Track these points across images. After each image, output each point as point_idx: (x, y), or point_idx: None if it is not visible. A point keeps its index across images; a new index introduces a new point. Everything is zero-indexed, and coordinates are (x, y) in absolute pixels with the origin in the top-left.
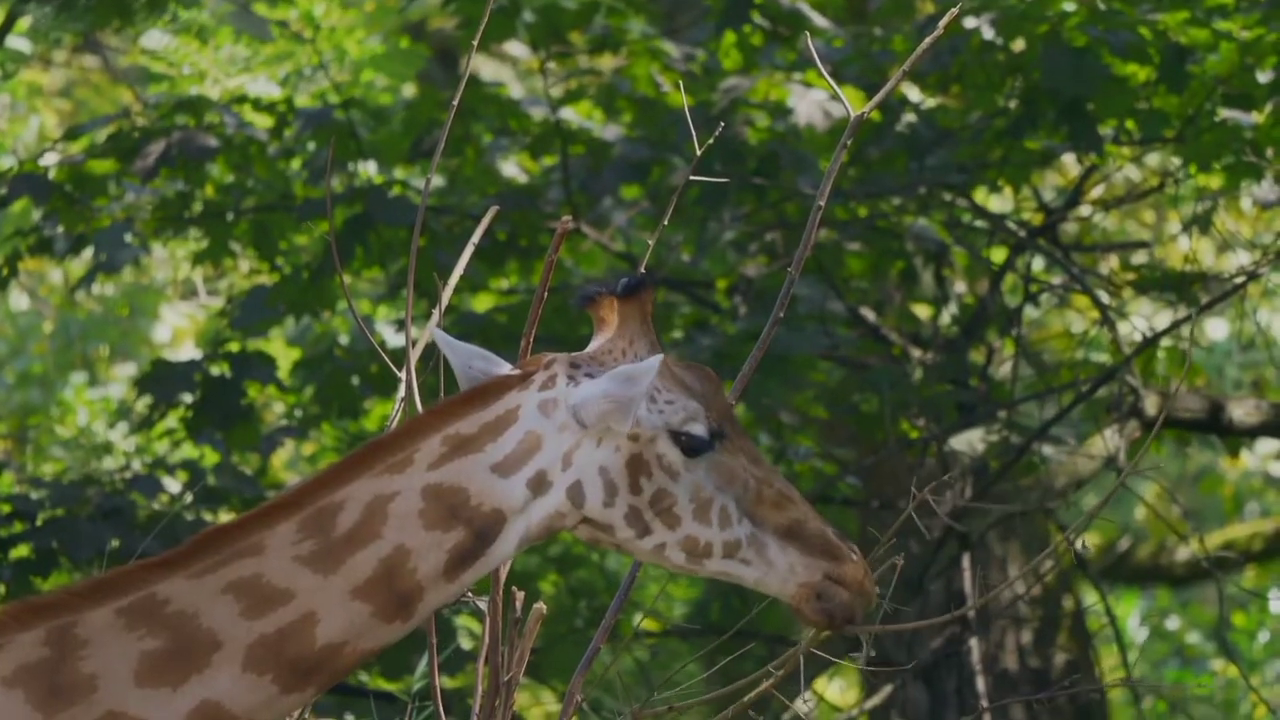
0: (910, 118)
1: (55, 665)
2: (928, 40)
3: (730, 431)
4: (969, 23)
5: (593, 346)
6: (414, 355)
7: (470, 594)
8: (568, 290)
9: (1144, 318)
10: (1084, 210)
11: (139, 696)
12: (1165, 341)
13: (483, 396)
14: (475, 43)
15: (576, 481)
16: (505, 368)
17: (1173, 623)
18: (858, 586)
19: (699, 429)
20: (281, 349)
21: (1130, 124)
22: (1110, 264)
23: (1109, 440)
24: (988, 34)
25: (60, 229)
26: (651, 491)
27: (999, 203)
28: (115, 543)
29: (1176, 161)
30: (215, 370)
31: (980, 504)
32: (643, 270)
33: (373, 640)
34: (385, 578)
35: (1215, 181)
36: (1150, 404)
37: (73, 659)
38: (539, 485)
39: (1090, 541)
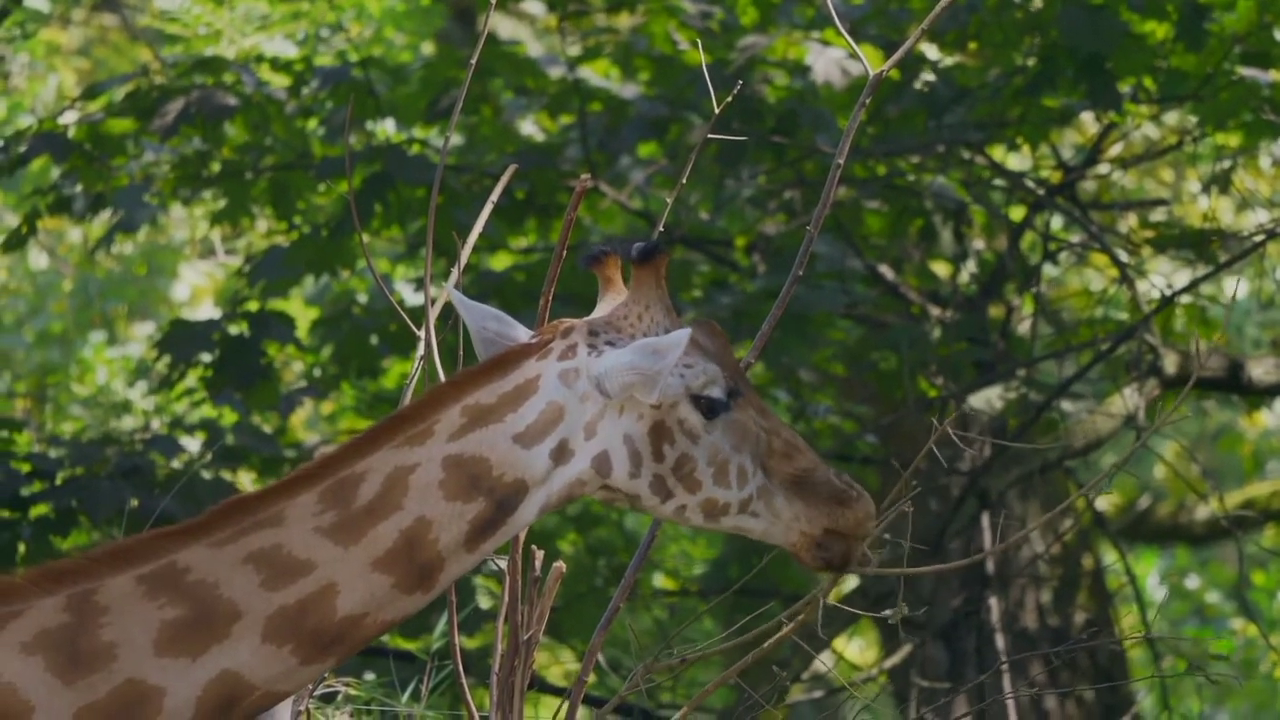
0: (929, 76)
1: (75, 632)
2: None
3: (741, 387)
4: None
5: (605, 310)
6: (433, 314)
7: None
8: (586, 249)
9: (1163, 276)
10: (1102, 168)
11: (158, 665)
12: (1184, 299)
13: (501, 366)
14: (493, 1)
15: (603, 452)
16: (519, 329)
17: (1192, 581)
18: (860, 530)
19: (718, 391)
20: (300, 308)
21: (1148, 82)
22: (1129, 222)
23: (1128, 399)
24: None
25: (79, 188)
26: (675, 457)
27: (1018, 161)
28: (134, 502)
29: (1195, 119)
30: (234, 329)
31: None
32: (658, 231)
33: (393, 611)
34: (406, 549)
35: (1233, 139)
36: (1169, 362)
37: (93, 626)
38: (561, 455)
39: (1110, 500)
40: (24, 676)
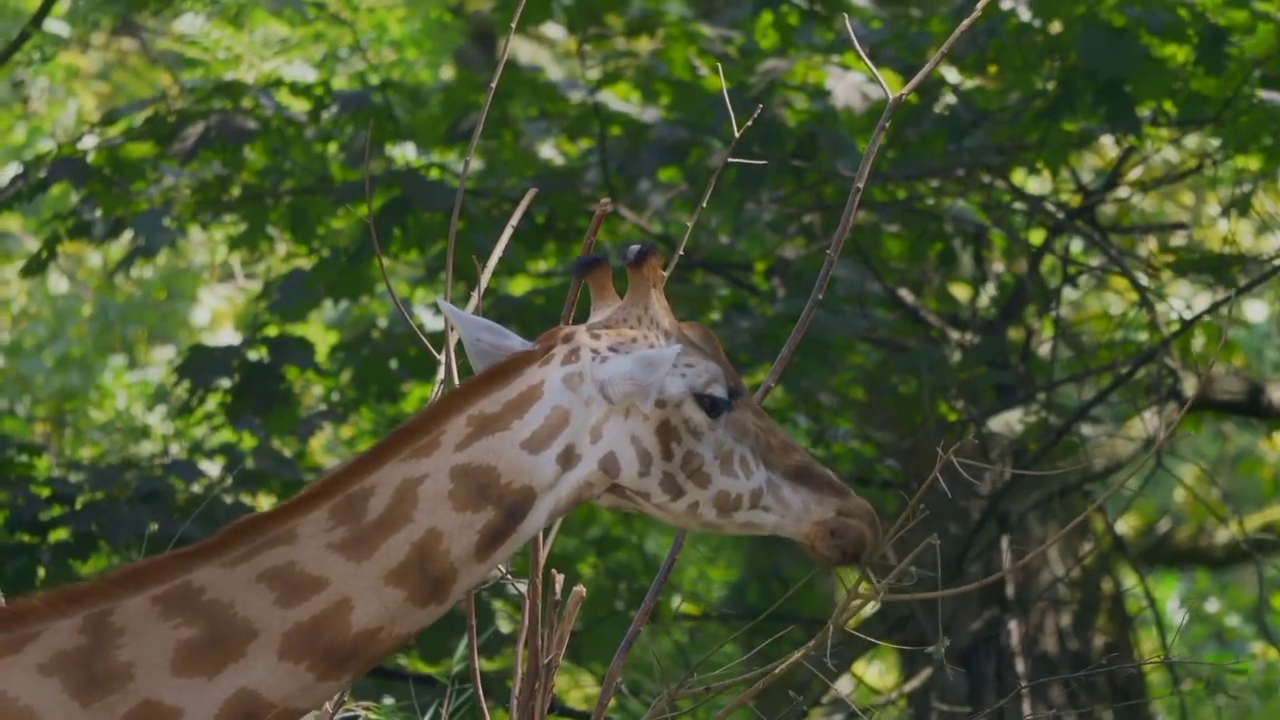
0: (948, 99)
1: (92, 653)
2: (966, 22)
3: (739, 387)
4: (1006, 4)
5: (604, 314)
6: (453, 338)
7: (510, 577)
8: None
9: (1182, 299)
10: (1122, 192)
11: (175, 686)
12: (1204, 321)
13: (503, 374)
14: (513, 25)
15: (610, 453)
16: (513, 340)
17: (1212, 605)
18: (867, 516)
19: (720, 390)
20: (320, 333)
21: (1168, 105)
22: (1149, 245)
23: (1148, 422)
24: (1025, 15)
25: (99, 212)
26: (682, 455)
27: (1037, 184)
28: (154, 526)
29: (1215, 143)
30: (253, 354)
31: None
32: (679, 255)
33: (408, 625)
34: (418, 561)
35: (1254, 163)
36: (1189, 386)
37: (109, 647)
38: (568, 459)
39: (1130, 524)
40: (42, 699)
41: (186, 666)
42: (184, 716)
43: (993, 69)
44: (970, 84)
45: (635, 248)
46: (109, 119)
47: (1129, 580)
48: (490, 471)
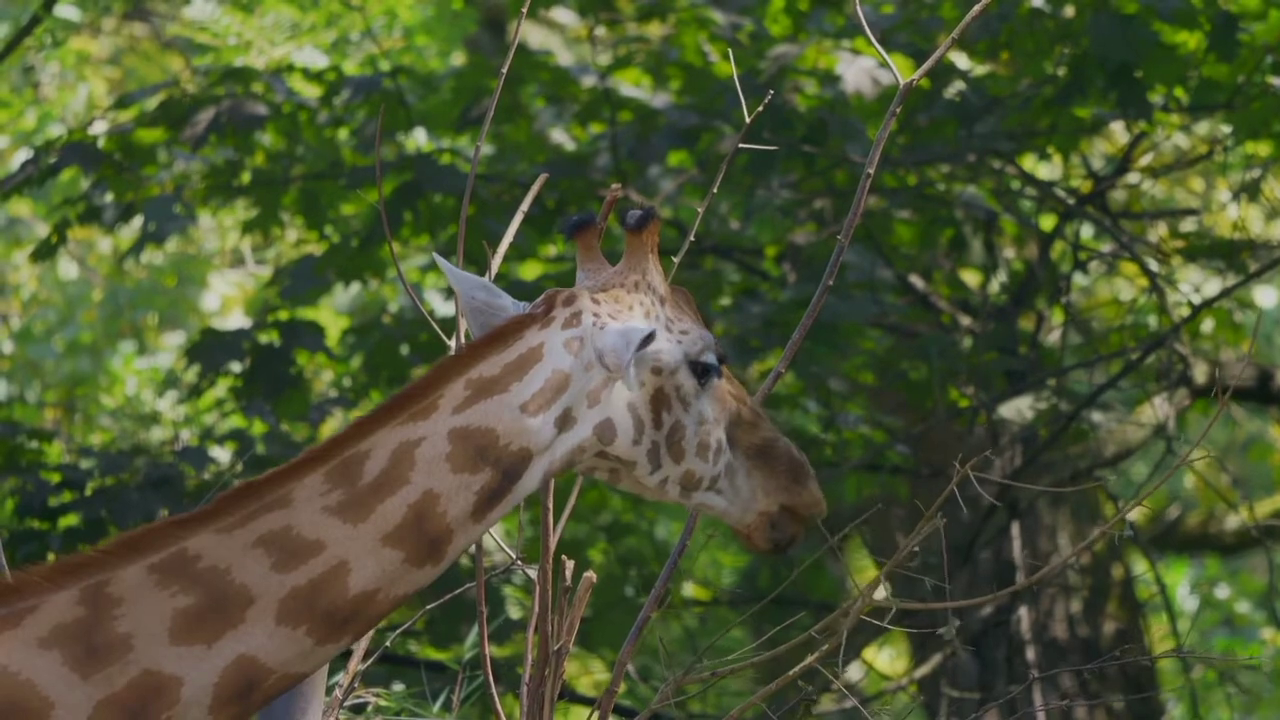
0: (959, 85)
1: (90, 625)
2: (977, 7)
3: (723, 354)
4: None
5: (596, 277)
6: (464, 324)
7: (520, 563)
8: (615, 257)
9: (1193, 285)
10: (1133, 178)
11: (174, 654)
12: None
13: (502, 337)
14: (524, 10)
15: (606, 419)
16: (505, 299)
17: (1222, 591)
18: (812, 510)
19: (712, 357)
20: (330, 317)
21: (1179, 91)
22: (1159, 231)
23: (1158, 408)
24: (1037, 1)
25: (109, 197)
26: (670, 424)
27: (1048, 170)
28: (164, 512)
29: (1225, 129)
30: (264, 339)
31: (1025, 483)
32: (689, 240)
33: (405, 586)
34: (415, 522)
35: (1264, 149)
36: (1199, 372)
37: (107, 618)
38: (565, 422)
39: (1139, 510)
40: (42, 672)
41: (185, 634)
42: (184, 685)
43: (1004, 55)
44: (981, 70)
45: (636, 213)
46: (121, 103)
47: (1139, 566)
48: (489, 434)
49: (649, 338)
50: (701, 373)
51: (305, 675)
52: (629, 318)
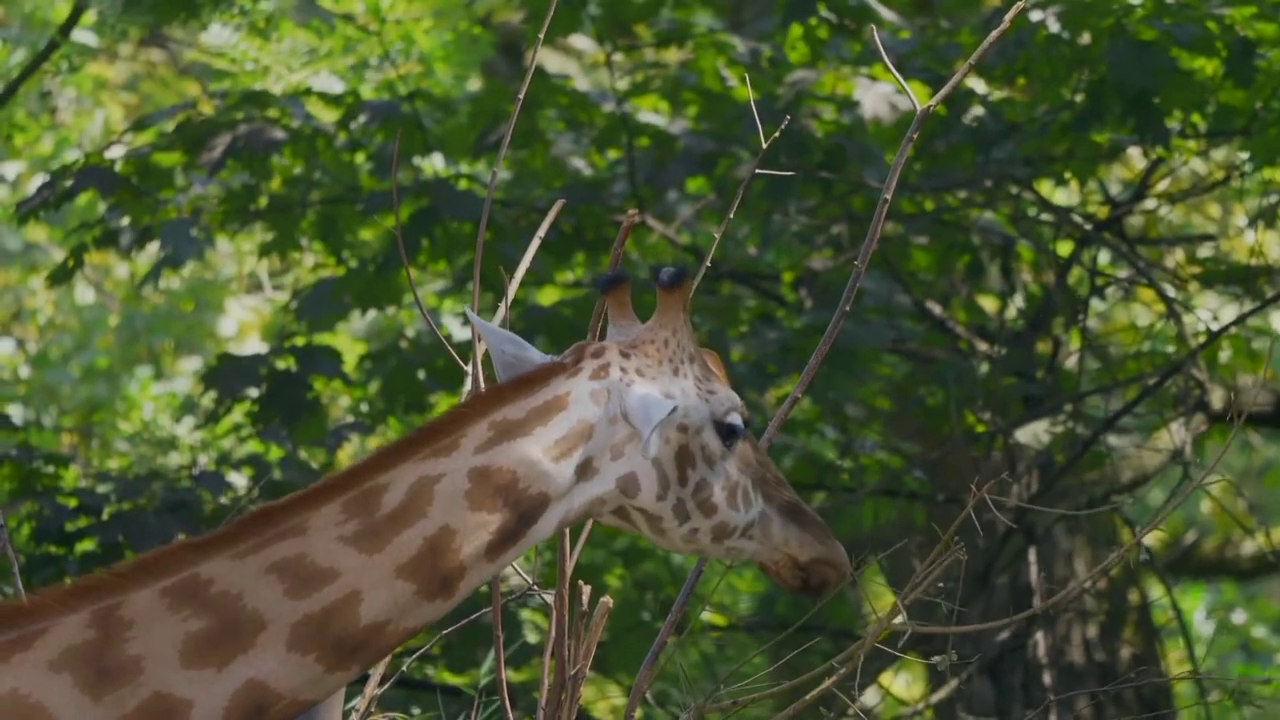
0: (977, 111)
1: (101, 647)
2: (994, 34)
3: (748, 418)
4: (1035, 16)
5: (627, 332)
6: (480, 349)
7: (537, 587)
8: (634, 283)
9: (1210, 311)
10: (1150, 203)
11: (185, 678)
12: (1231, 333)
13: (529, 383)
14: (541, 35)
15: (630, 473)
16: (534, 352)
17: (1239, 616)
18: (841, 569)
19: (738, 419)
20: (347, 343)
21: (1196, 117)
22: (1176, 257)
23: (1175, 434)
24: (1054, 27)
25: (126, 221)
26: (695, 481)
27: (1065, 196)
28: (181, 537)
29: (1243, 155)
30: (281, 364)
31: (1042, 507)
32: (706, 265)
33: (415, 619)
34: (430, 556)
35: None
36: (1216, 397)
37: (118, 641)
38: (585, 471)
39: (1156, 535)
40: (53, 695)
41: (196, 658)
42: (194, 708)
43: (1021, 81)
44: (999, 95)
45: (670, 270)
46: (138, 125)
47: (1156, 592)
48: (509, 475)
49: (673, 413)
50: (727, 434)
51: (313, 703)
52: (657, 374)
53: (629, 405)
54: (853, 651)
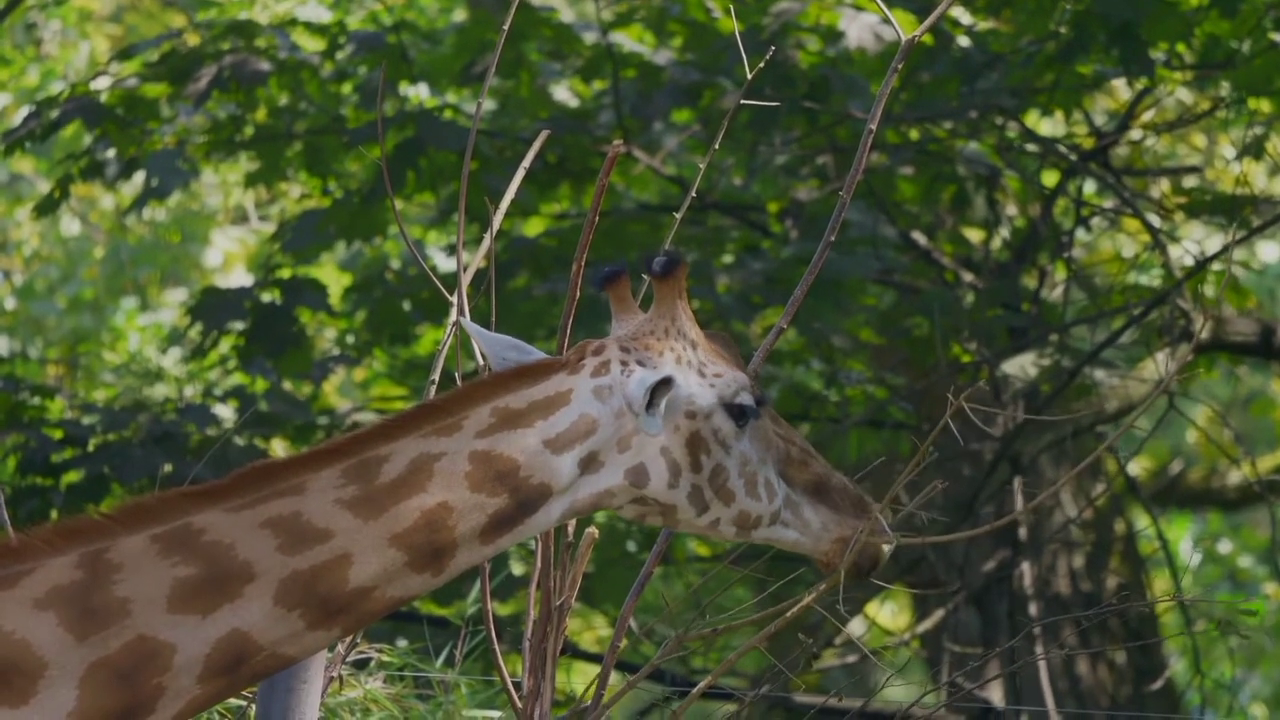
0: (962, 41)
1: (88, 588)
2: None
3: (764, 396)
4: None
5: (629, 326)
6: (465, 280)
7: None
8: (619, 214)
9: (1195, 241)
10: (1135, 134)
11: (170, 622)
12: (1216, 265)
13: (531, 375)
14: None
15: (638, 464)
16: (536, 354)
17: (1224, 546)
18: (879, 539)
19: (748, 398)
20: (333, 275)
21: (1181, 47)
22: (1161, 188)
23: (1160, 364)
24: None
25: (112, 153)
26: (711, 467)
27: (1050, 126)
28: (167, 468)
29: (1228, 85)
30: (266, 297)
31: (1029, 430)
32: (691, 196)
33: (401, 589)
34: (425, 529)
35: (1266, 105)
36: (1200, 327)
37: (106, 583)
38: (589, 465)
39: (1142, 465)
40: (37, 632)
41: (182, 604)
42: (177, 653)
43: (1006, 12)
44: (984, 26)
45: (661, 259)
46: (124, 54)
47: (1141, 522)
48: (510, 462)
49: (665, 383)
50: (738, 415)
51: (292, 660)
52: (659, 364)
53: (630, 395)
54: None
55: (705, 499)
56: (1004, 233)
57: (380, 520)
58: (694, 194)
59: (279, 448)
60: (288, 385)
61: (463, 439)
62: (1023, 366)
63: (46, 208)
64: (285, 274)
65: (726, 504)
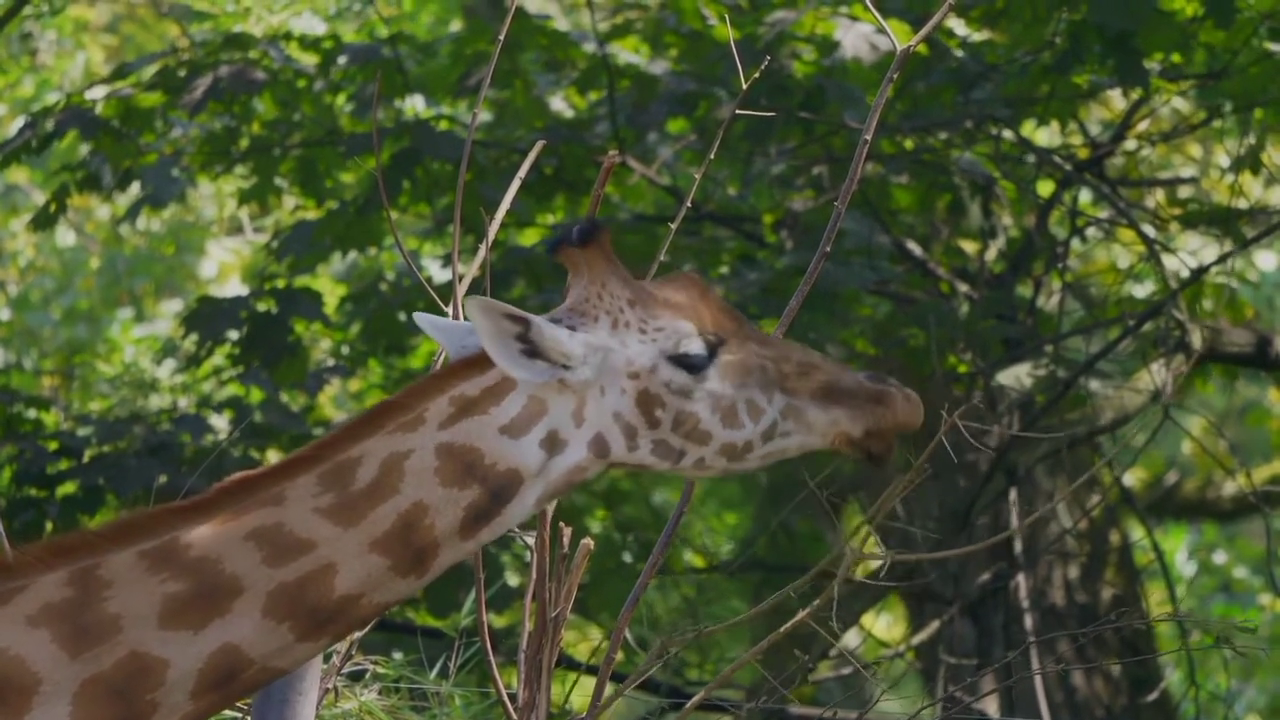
0: (957, 51)
1: (80, 605)
2: None
3: (728, 331)
4: None
5: (571, 295)
6: (461, 290)
7: (517, 530)
8: (614, 224)
9: (1190, 252)
10: (1130, 144)
11: (162, 638)
12: (1213, 275)
13: (480, 363)
14: None
15: (597, 434)
16: None
17: (1220, 557)
18: (907, 426)
19: (694, 346)
20: (328, 285)
21: (1177, 58)
22: (1157, 198)
23: (1155, 375)
24: None
25: (107, 164)
26: (670, 419)
27: (1046, 137)
28: (162, 479)
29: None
30: (261, 307)
31: (1023, 441)
32: (686, 206)
33: (387, 594)
34: (403, 532)
35: (1261, 115)
36: (1196, 338)
37: (97, 600)
38: (552, 444)
39: (1137, 476)
40: (31, 649)
41: (173, 620)
42: (170, 668)
43: (1002, 22)
44: (979, 37)
45: (579, 227)
46: (119, 73)
47: (1137, 532)
48: (474, 452)
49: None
50: (688, 364)
51: (283, 671)
52: (594, 330)
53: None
54: (825, 565)
55: (674, 448)
56: (999, 243)
57: (360, 527)
58: (689, 204)
59: (274, 459)
60: (283, 396)
61: (427, 433)
62: (1018, 377)
63: (44, 221)
64: (280, 284)
65: (703, 444)
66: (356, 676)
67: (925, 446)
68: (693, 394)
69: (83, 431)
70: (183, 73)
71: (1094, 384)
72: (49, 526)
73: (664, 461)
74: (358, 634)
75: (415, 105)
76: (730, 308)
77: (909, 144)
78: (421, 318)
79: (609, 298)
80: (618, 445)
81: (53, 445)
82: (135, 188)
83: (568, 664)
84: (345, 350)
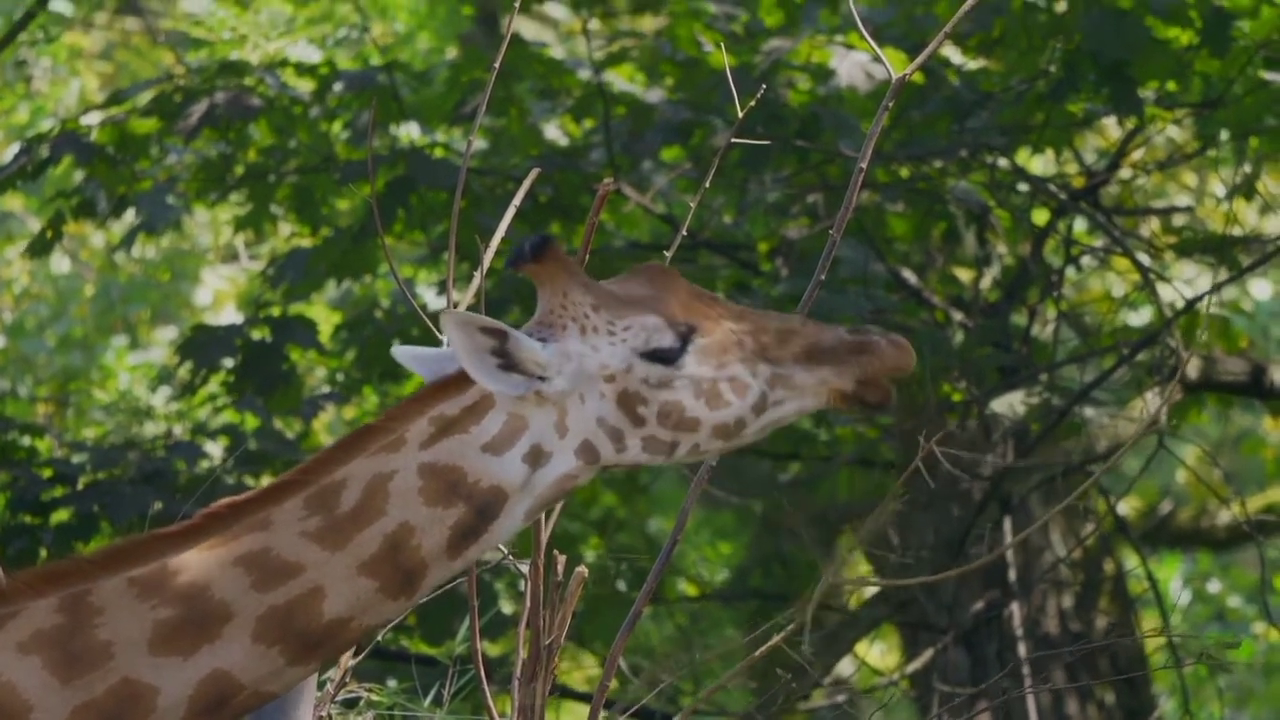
0: (953, 80)
1: (71, 632)
2: (970, 2)
3: (699, 314)
4: None
5: (537, 310)
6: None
7: (512, 558)
8: (609, 252)
9: (1185, 281)
10: (1125, 173)
11: (152, 664)
12: (1208, 303)
13: (457, 382)
14: (517, 4)
15: (584, 442)
16: None
17: (1214, 586)
18: (897, 371)
19: (665, 338)
20: (323, 313)
21: (1172, 86)
22: (1151, 226)
23: (1150, 403)
24: None
25: (102, 191)
26: (654, 414)
27: (1041, 165)
28: (157, 506)
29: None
30: (256, 334)
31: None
32: (681, 235)
33: (376, 616)
34: (390, 554)
35: (1255, 144)
36: (1191, 367)
37: (88, 627)
38: (536, 458)
39: (1131, 505)
40: (22, 676)
41: (164, 646)
42: (160, 695)
43: (997, 51)
44: (974, 65)
45: (531, 241)
46: (114, 100)
47: (1131, 561)
48: (457, 471)
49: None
50: (663, 358)
51: (273, 695)
52: (561, 338)
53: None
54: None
55: (665, 441)
56: (994, 272)
57: (347, 550)
58: (684, 232)
59: None
60: (278, 423)
61: (409, 453)
62: (1012, 405)
63: (39, 248)
64: (275, 311)
65: (694, 430)
66: (351, 704)
67: (914, 474)
68: (673, 384)
69: (77, 458)
70: (178, 99)
71: (1089, 412)
72: (43, 554)
73: (658, 456)
74: (352, 662)
75: (410, 132)
76: (700, 290)
77: (904, 172)
78: (399, 350)
79: (572, 306)
80: (606, 449)
81: (47, 472)
82: (130, 214)
83: (562, 692)
84: (340, 377)
